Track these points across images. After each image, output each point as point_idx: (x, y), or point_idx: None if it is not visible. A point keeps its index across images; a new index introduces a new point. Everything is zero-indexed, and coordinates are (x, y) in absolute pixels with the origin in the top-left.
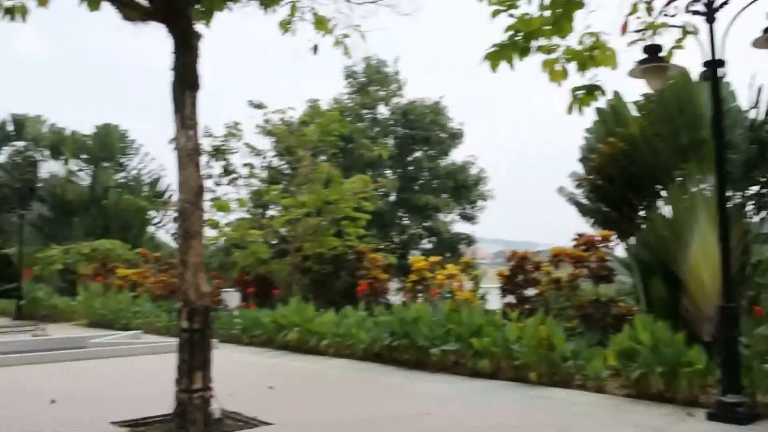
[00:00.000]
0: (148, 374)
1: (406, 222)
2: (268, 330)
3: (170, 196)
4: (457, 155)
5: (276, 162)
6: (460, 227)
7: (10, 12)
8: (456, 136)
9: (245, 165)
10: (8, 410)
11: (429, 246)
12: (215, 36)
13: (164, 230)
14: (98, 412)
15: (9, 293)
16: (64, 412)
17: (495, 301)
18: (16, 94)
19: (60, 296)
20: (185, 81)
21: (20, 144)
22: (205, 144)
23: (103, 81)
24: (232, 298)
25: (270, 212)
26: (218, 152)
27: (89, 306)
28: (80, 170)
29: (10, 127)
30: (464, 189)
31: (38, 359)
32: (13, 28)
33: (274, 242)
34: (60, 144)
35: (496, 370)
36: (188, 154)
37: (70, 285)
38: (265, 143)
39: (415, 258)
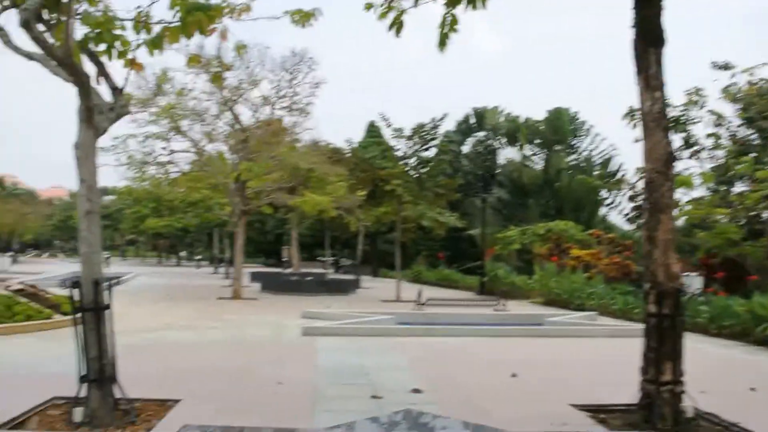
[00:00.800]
0: (605, 358)
1: None
2: (742, 321)
3: (623, 176)
4: None
5: (743, 131)
6: None
7: (471, 2)
8: None
9: (709, 135)
10: (475, 378)
11: None
12: None
13: (616, 211)
14: (555, 391)
15: (473, 270)
16: (522, 387)
17: None
18: (475, 90)
19: (517, 274)
20: (648, 37)
21: (481, 134)
22: None
23: (552, 64)
24: (693, 282)
25: (737, 188)
26: (677, 123)
27: (544, 285)
28: (534, 155)
29: (472, 120)
30: None
31: (499, 333)
32: (470, 29)
33: (743, 221)
34: (515, 131)
35: None
36: (655, 119)
37: (526, 264)
38: (731, 110)
39: None
